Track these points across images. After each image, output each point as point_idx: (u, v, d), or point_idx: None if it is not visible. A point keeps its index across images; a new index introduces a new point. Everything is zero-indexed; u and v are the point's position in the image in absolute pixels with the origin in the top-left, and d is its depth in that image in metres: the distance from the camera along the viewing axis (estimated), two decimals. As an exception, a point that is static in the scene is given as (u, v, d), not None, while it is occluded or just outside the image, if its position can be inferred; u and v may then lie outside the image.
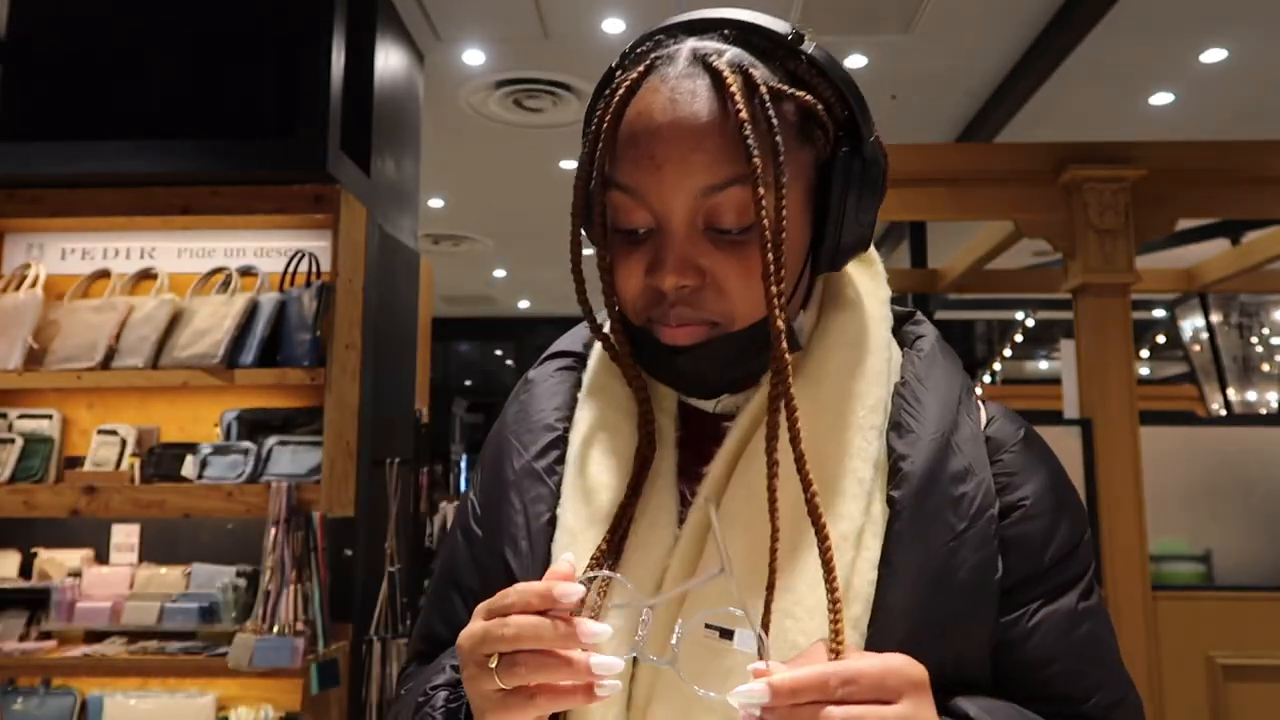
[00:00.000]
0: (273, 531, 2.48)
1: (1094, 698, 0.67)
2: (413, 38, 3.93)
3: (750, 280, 0.63)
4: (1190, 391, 6.86)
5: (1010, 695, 0.65)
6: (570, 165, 5.82)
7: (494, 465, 0.76)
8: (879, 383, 0.69)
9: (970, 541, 0.64)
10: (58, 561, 2.73)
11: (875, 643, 0.61)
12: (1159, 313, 8.42)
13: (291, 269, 2.77)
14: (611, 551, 0.66)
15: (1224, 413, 5.69)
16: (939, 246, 5.32)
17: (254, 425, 2.71)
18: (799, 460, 0.61)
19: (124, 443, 2.70)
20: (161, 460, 2.65)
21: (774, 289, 0.61)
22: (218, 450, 2.62)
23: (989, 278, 4.55)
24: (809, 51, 0.66)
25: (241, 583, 2.62)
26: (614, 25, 4.07)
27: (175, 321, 2.68)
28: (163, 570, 2.69)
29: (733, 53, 0.65)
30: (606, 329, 0.72)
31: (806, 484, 0.61)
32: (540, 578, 0.58)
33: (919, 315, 0.78)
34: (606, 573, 0.62)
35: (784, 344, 0.61)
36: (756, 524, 0.62)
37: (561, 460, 0.72)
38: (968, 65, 4.45)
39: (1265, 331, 6.08)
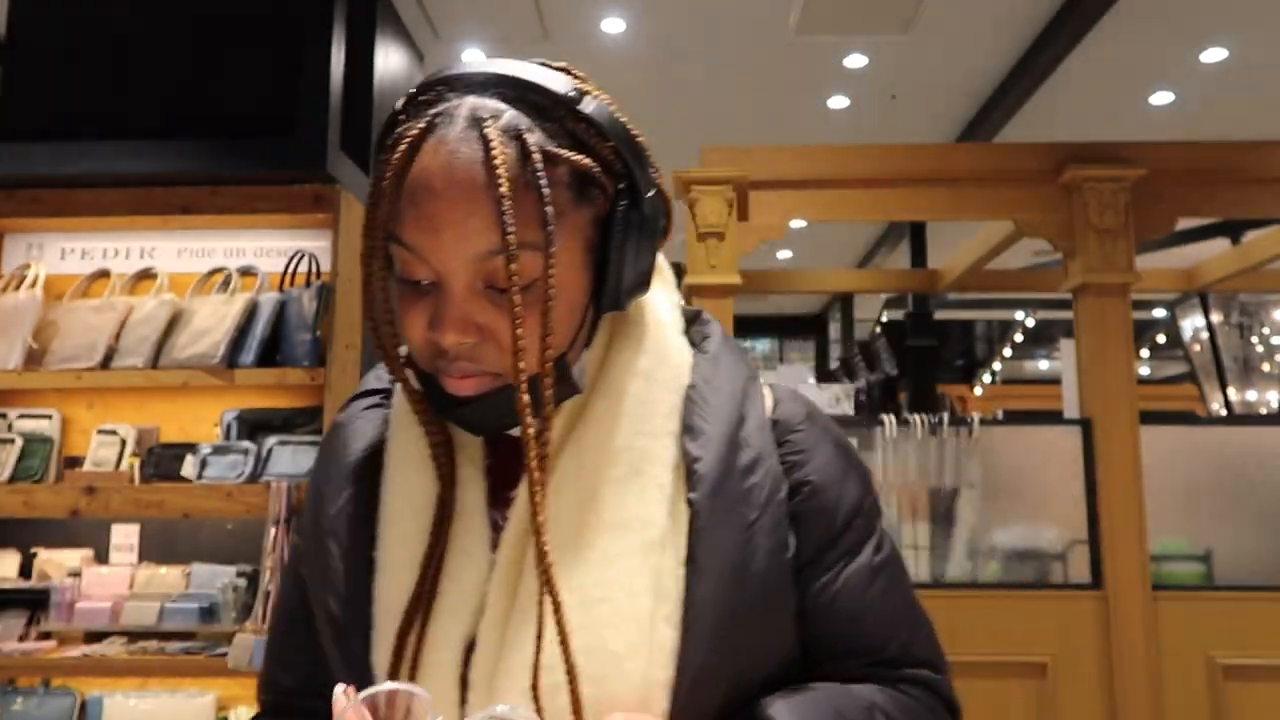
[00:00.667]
0: (273, 531, 2.48)
1: (898, 638, 0.75)
2: (412, 37, 3.93)
3: (526, 333, 0.65)
4: (1190, 391, 6.87)
5: (826, 654, 0.74)
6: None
7: (312, 511, 0.78)
8: (671, 389, 0.74)
9: (763, 529, 0.71)
10: (57, 562, 2.73)
11: (687, 636, 0.67)
12: (1159, 313, 8.43)
13: (291, 269, 2.77)
14: (428, 588, 0.69)
15: (1224, 412, 5.69)
16: (939, 246, 5.33)
17: (254, 425, 2.71)
18: (538, 529, 0.65)
19: (124, 443, 2.70)
20: (161, 460, 2.65)
21: (524, 349, 0.65)
22: (217, 450, 2.62)
23: (989, 278, 4.55)
24: (587, 111, 0.68)
25: (241, 583, 2.62)
26: (614, 25, 4.07)
27: (175, 321, 2.68)
28: (162, 570, 2.69)
29: (509, 115, 0.65)
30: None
31: (541, 555, 0.65)
32: (362, 621, 0.69)
33: (705, 315, 0.82)
34: (393, 685, 0.61)
35: (529, 419, 0.66)
36: (571, 530, 0.69)
37: (374, 500, 0.74)
38: (968, 65, 4.45)
39: (1265, 331, 6.09)
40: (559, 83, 0.68)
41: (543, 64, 0.70)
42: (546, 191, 0.64)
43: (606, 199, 0.70)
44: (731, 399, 0.74)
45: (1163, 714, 2.72)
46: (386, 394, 0.82)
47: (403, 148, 0.64)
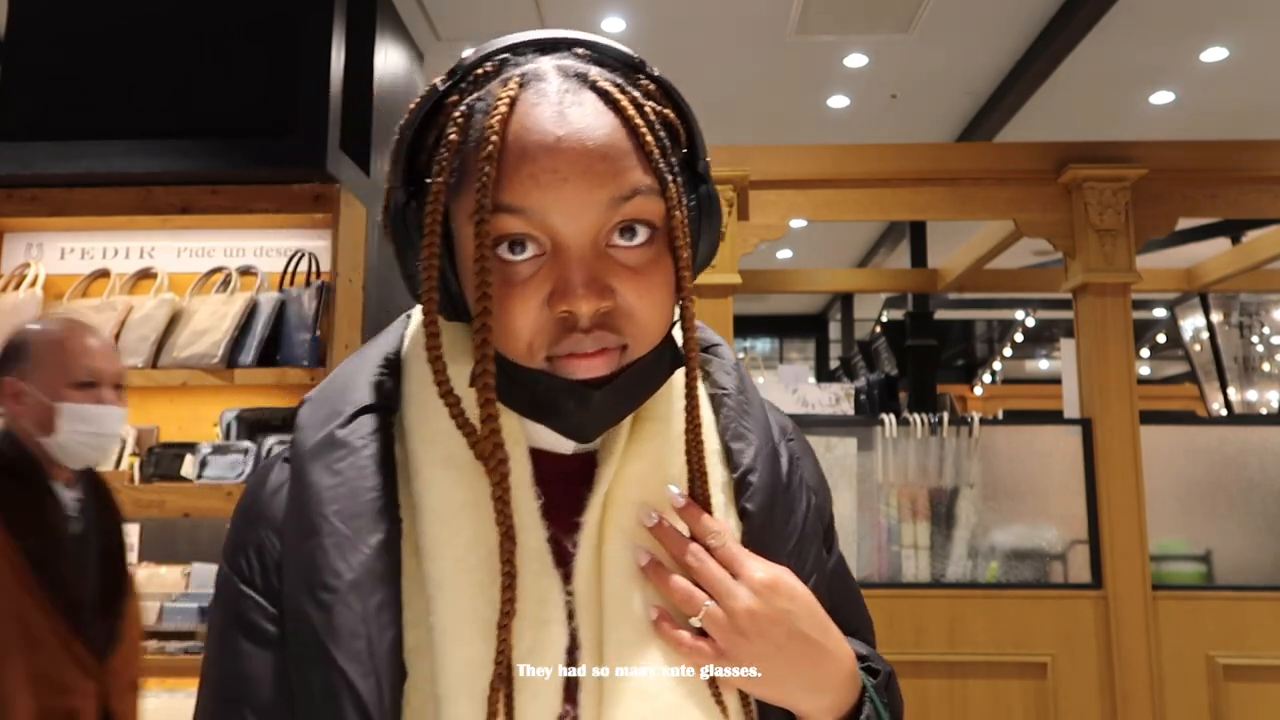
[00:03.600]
0: (272, 531, 2.47)
1: (862, 624, 0.79)
2: (412, 37, 3.93)
3: (652, 298, 0.61)
4: (1190, 391, 6.87)
5: None
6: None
7: (308, 556, 0.60)
8: (704, 404, 0.70)
9: (811, 535, 0.71)
10: (57, 561, 2.72)
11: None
12: (1159, 312, 8.43)
13: (291, 268, 2.77)
14: (506, 668, 0.59)
15: (1224, 412, 5.69)
16: (939, 246, 5.33)
17: (254, 425, 2.71)
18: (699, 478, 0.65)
19: (123, 442, 2.70)
20: (161, 460, 2.65)
21: (688, 301, 0.62)
22: (217, 450, 2.62)
23: (989, 277, 4.55)
24: (655, 74, 0.65)
25: (241, 582, 2.61)
26: (614, 24, 4.07)
27: (174, 321, 2.68)
28: (162, 570, 2.69)
29: (597, 70, 0.62)
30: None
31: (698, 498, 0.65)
32: (391, 699, 0.57)
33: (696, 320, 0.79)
34: None
35: (696, 356, 0.63)
36: (633, 566, 0.64)
37: (397, 551, 0.61)
38: (968, 65, 4.45)
39: (1266, 331, 6.08)
40: (624, 48, 0.66)
41: None
42: (661, 133, 0.62)
43: (677, 163, 0.66)
44: (761, 406, 0.73)
45: (1163, 714, 2.72)
46: (387, 412, 0.67)
47: (502, 109, 0.59)
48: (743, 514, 0.67)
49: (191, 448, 2.65)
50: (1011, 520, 2.96)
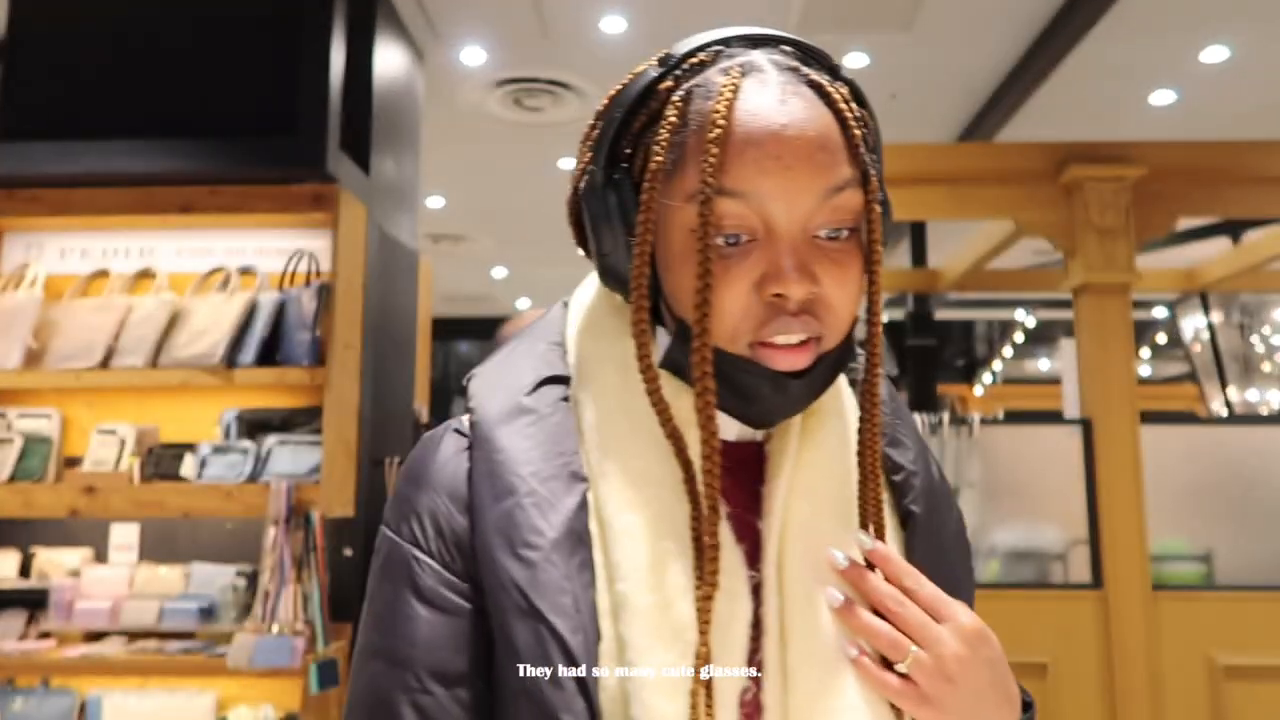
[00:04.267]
0: (272, 531, 2.47)
1: None
2: (412, 36, 3.92)
3: (849, 290, 0.63)
4: (1191, 391, 6.86)
5: None
6: (569, 164, 5.81)
7: (506, 515, 0.61)
8: (854, 408, 0.71)
9: (965, 540, 0.74)
10: (57, 561, 2.72)
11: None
12: (1159, 312, 8.42)
13: (291, 268, 2.76)
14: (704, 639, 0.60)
15: (1225, 412, 5.69)
16: (939, 246, 5.32)
17: (253, 425, 2.71)
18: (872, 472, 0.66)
19: (123, 442, 2.70)
20: (161, 460, 2.65)
21: (878, 296, 0.64)
22: (217, 450, 2.62)
23: (989, 277, 4.55)
24: (849, 78, 0.68)
25: (241, 582, 2.61)
26: (613, 24, 4.06)
27: (174, 321, 2.68)
28: (162, 570, 2.69)
29: (805, 66, 0.65)
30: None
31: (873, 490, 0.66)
32: (594, 657, 0.58)
33: None
34: None
35: (881, 352, 0.65)
36: (816, 545, 0.64)
37: (588, 516, 0.63)
38: (968, 65, 4.44)
39: (1266, 331, 6.08)
40: (821, 49, 0.68)
41: None
42: (865, 131, 0.65)
43: None
44: (908, 410, 0.75)
45: (1163, 714, 2.72)
46: (565, 383, 0.69)
47: (727, 94, 0.60)
48: (906, 517, 0.69)
49: (191, 448, 2.65)
50: (1012, 520, 2.96)
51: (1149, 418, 2.91)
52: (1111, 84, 4.55)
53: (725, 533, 0.63)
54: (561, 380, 0.68)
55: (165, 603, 2.59)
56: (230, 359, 2.58)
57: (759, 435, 0.68)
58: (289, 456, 2.61)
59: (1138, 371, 3.29)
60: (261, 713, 2.58)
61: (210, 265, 2.84)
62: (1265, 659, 2.73)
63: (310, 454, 2.61)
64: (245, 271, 2.81)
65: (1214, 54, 4.27)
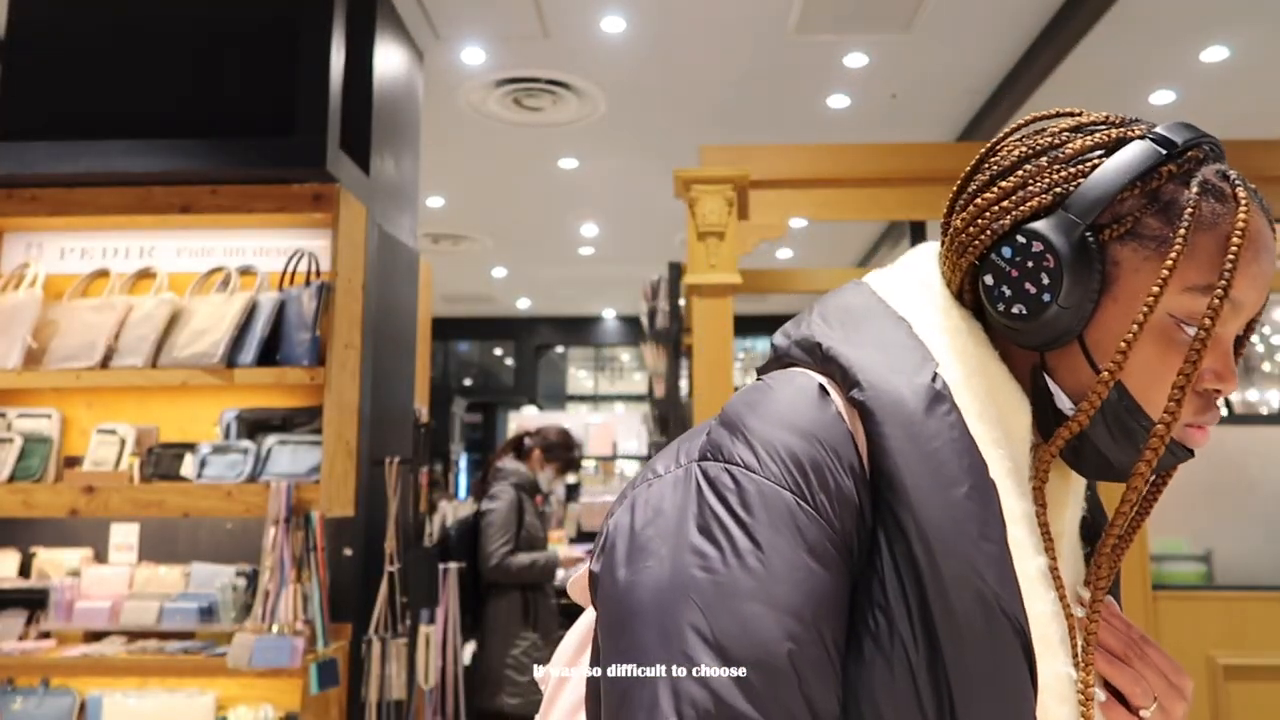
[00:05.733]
0: (272, 531, 2.47)
1: None
2: (412, 36, 3.93)
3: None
4: (1190, 391, 6.84)
5: None
6: (569, 164, 5.81)
7: (958, 504, 0.63)
8: None
9: None
10: (57, 561, 2.72)
11: None
12: (1159, 312, 8.41)
13: (291, 268, 2.76)
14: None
15: (1224, 412, 5.69)
16: (939, 246, 5.32)
17: (253, 425, 2.71)
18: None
19: (123, 442, 2.70)
20: (161, 460, 2.65)
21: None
22: (217, 450, 2.62)
23: (989, 277, 4.53)
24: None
25: (241, 582, 2.61)
26: (613, 24, 4.06)
27: (174, 321, 2.68)
28: (162, 570, 2.69)
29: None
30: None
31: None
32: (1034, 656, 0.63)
33: None
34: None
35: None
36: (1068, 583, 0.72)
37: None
38: (968, 65, 4.44)
39: (1265, 331, 6.07)
40: None
41: None
42: None
43: None
44: None
45: (1163, 714, 2.72)
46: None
47: (1245, 207, 0.66)
48: (1089, 555, 0.77)
49: (191, 447, 2.65)
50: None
51: (1149, 418, 2.91)
52: (1111, 84, 4.55)
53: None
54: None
55: (165, 603, 2.59)
56: (230, 359, 2.58)
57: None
58: (289, 456, 2.61)
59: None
60: (261, 713, 2.58)
61: (210, 265, 2.84)
62: (1265, 659, 2.73)
63: (310, 454, 2.61)
64: (245, 271, 2.81)
65: (1214, 54, 4.27)
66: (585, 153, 5.65)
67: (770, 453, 0.63)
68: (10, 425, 2.75)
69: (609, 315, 11.19)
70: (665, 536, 0.62)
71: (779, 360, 0.74)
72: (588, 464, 7.84)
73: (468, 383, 12.04)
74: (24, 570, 2.76)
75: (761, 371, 0.75)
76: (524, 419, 9.01)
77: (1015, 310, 0.68)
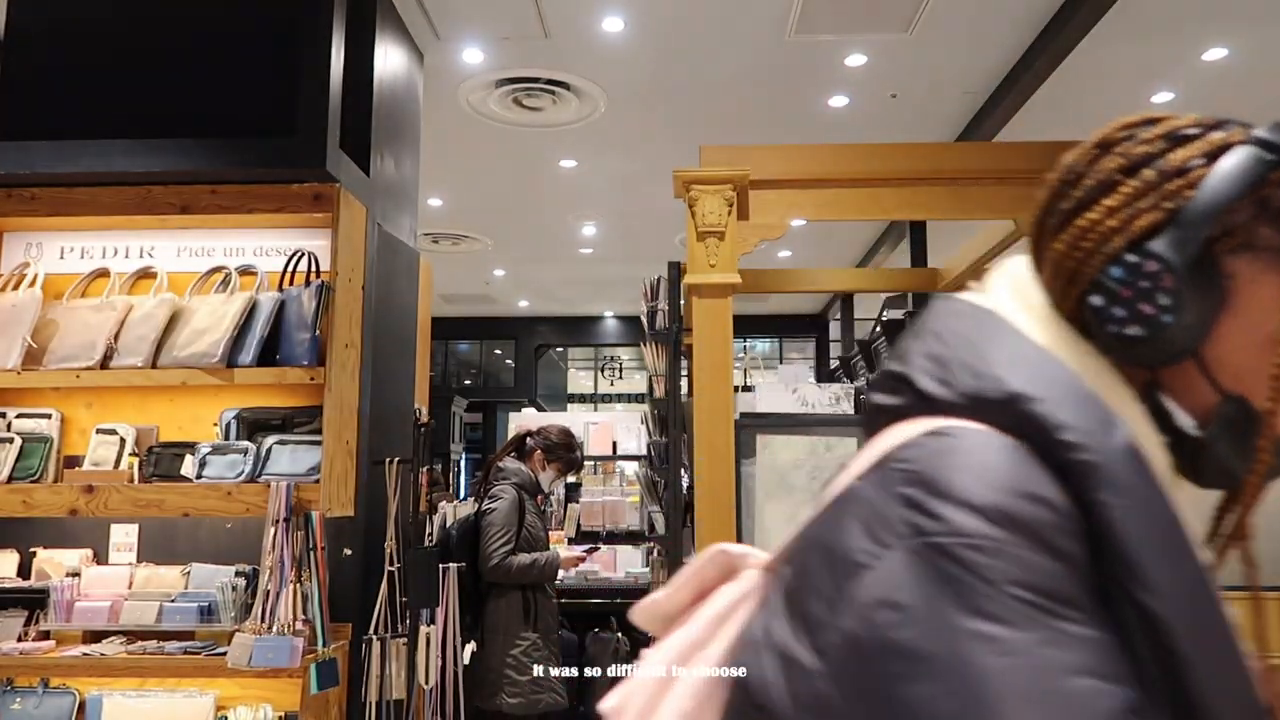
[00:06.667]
0: (272, 531, 2.47)
1: None
2: (412, 37, 3.93)
3: None
4: (1190, 391, 6.84)
5: None
6: (569, 164, 5.82)
7: (1199, 577, 0.63)
8: None
9: None
10: (56, 561, 2.72)
11: None
12: (1159, 312, 8.41)
13: (291, 268, 2.76)
14: None
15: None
16: (939, 246, 5.32)
17: (253, 424, 2.71)
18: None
19: (123, 442, 2.70)
20: (160, 460, 2.65)
21: None
22: (217, 450, 2.62)
23: (989, 277, 4.53)
24: None
25: (240, 582, 2.61)
26: (613, 24, 4.06)
27: (174, 321, 2.68)
28: (161, 570, 2.69)
29: None
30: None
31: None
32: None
33: None
34: None
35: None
36: None
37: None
38: (968, 65, 4.44)
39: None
40: None
41: None
42: None
43: None
44: None
45: (1162, 714, 2.72)
46: None
47: None
48: None
49: (191, 447, 2.65)
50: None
51: (1149, 418, 2.90)
52: (1111, 84, 4.55)
53: None
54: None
55: (165, 602, 2.59)
56: (230, 359, 2.58)
57: None
58: (289, 456, 2.61)
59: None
60: (261, 713, 2.58)
61: (210, 265, 2.84)
62: (1265, 659, 2.73)
63: (310, 454, 2.61)
64: (245, 271, 2.81)
65: (1214, 54, 4.27)
66: (585, 153, 5.65)
67: (1019, 519, 0.57)
68: (10, 425, 2.75)
69: (609, 315, 11.20)
70: (931, 635, 0.54)
71: (916, 409, 0.66)
72: (588, 464, 7.85)
73: (468, 382, 12.05)
74: (24, 570, 2.76)
75: (874, 426, 0.69)
76: (524, 419, 9.01)
77: (1131, 332, 0.65)
